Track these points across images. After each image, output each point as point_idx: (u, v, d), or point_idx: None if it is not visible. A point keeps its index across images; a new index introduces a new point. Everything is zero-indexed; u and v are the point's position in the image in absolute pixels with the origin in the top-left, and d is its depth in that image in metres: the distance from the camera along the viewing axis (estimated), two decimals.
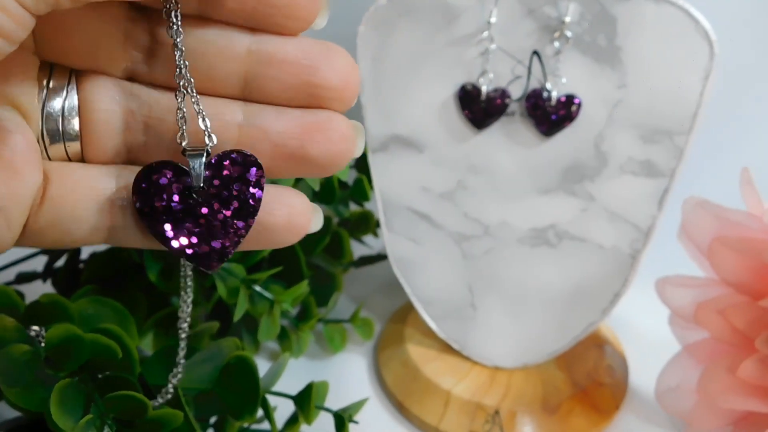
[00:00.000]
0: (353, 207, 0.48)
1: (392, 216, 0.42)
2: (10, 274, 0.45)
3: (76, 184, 0.22)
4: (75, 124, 0.22)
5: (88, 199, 0.22)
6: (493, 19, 0.37)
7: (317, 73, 0.21)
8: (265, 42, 0.22)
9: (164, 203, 0.20)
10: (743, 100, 0.52)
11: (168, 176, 0.20)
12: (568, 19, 0.36)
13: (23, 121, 0.21)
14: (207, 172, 0.20)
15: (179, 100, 0.21)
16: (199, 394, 0.35)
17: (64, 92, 0.22)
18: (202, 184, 0.20)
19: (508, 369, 0.43)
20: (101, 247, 0.42)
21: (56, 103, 0.22)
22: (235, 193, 0.20)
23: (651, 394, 0.42)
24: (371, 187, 0.43)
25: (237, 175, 0.20)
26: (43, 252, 0.44)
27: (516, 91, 0.38)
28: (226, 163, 0.20)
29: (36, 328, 0.31)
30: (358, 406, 0.36)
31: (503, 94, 0.38)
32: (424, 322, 0.44)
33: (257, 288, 0.39)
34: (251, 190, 0.21)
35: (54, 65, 0.22)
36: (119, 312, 0.34)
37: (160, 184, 0.20)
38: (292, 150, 0.22)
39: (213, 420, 0.37)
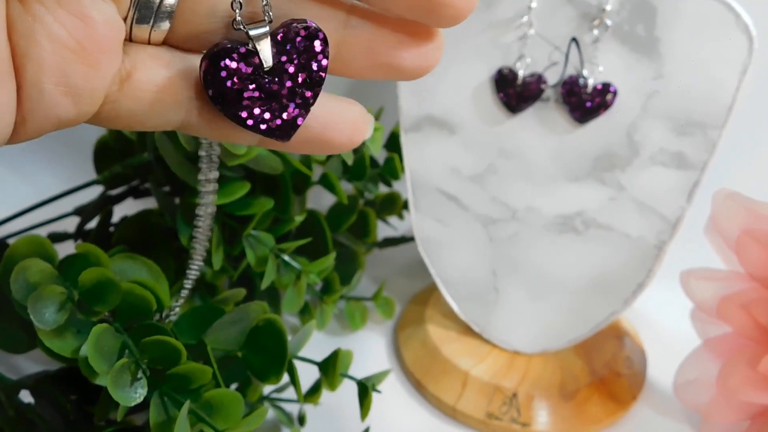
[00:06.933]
0: (382, 189, 0.49)
1: (421, 196, 0.43)
2: (41, 233, 0.45)
3: (158, 72, 0.21)
4: None
5: (168, 89, 0.21)
6: (533, 4, 0.38)
7: None
8: None
9: (236, 87, 0.21)
10: None
11: (236, 59, 0.20)
12: (608, 8, 0.37)
13: (111, 4, 0.20)
14: (273, 49, 0.21)
15: None
16: (223, 358, 0.36)
17: None
18: (271, 63, 0.21)
19: (527, 354, 0.43)
20: (132, 211, 0.43)
21: None
22: (302, 64, 0.21)
23: (668, 388, 0.42)
24: (402, 167, 0.43)
25: (303, 48, 0.21)
26: (75, 213, 0.44)
27: (552, 77, 0.39)
28: (291, 37, 0.21)
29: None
30: (381, 376, 0.36)
31: (539, 79, 0.39)
32: (447, 303, 0.44)
33: (285, 257, 0.39)
34: (319, 59, 0.21)
35: None
36: (153, 270, 0.34)
37: (231, 69, 0.20)
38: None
39: (234, 387, 0.38)
